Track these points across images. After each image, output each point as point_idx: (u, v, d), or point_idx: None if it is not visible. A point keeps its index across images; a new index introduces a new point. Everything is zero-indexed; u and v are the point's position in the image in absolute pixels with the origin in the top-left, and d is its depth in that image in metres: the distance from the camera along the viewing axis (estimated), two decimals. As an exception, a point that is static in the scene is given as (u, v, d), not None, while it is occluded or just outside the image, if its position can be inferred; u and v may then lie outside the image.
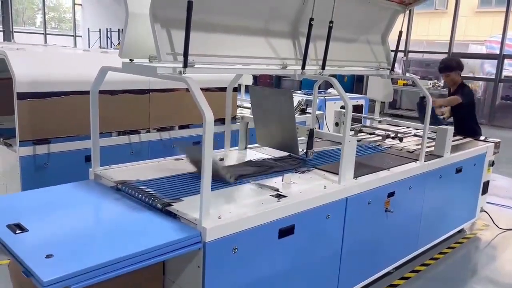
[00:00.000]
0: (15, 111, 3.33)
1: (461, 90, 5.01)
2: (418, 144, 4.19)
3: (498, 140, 4.92)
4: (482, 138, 4.97)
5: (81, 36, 21.11)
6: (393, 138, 4.42)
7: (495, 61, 13.25)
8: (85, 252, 1.89)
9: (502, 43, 12.93)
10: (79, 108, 3.54)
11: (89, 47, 18.82)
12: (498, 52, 13.16)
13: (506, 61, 13.24)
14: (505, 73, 13.35)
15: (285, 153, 3.48)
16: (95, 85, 2.73)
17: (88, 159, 3.07)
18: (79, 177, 2.88)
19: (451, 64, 5.11)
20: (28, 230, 2.04)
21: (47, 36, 20.36)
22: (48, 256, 1.81)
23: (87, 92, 2.77)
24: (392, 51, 3.89)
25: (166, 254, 2.02)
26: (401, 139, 4.16)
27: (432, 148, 4.06)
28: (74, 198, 2.56)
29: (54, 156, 3.52)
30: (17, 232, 2.02)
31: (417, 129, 4.93)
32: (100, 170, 2.89)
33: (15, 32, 18.85)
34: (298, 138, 3.29)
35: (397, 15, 3.84)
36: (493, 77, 13.45)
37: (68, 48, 5.50)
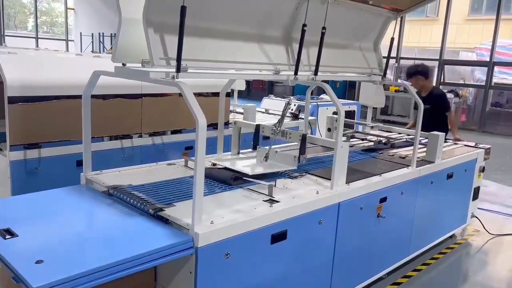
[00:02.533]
0: (5, 115, 3.30)
1: (439, 96, 5.61)
2: (410, 150, 4.22)
3: (489, 146, 4.97)
4: (472, 144, 5.02)
5: (73, 41, 21.03)
6: (385, 144, 4.44)
7: (485, 68, 13.40)
8: (75, 258, 1.88)
9: (492, 50, 13.09)
10: (71, 113, 3.51)
11: (81, 51, 18.75)
12: (488, 59, 13.32)
13: (496, 68, 13.40)
14: (495, 80, 13.51)
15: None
16: (87, 89, 2.71)
17: (79, 163, 3.05)
18: (70, 182, 2.86)
19: (415, 70, 5.56)
20: (18, 236, 2.02)
21: (39, 40, 20.25)
22: (38, 262, 1.79)
23: (79, 97, 2.76)
24: (384, 57, 3.93)
25: (157, 259, 2.00)
26: (393, 145, 4.18)
27: (424, 154, 4.09)
28: (65, 203, 2.53)
29: (45, 161, 3.49)
30: (7, 237, 1.99)
31: (408, 135, 4.96)
32: (92, 175, 2.87)
33: (6, 36, 18.76)
34: (291, 144, 3.29)
35: (389, 22, 3.88)
36: (483, 84, 13.60)
37: (60, 52, 5.48)
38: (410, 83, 5.42)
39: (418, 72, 5.54)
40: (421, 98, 5.29)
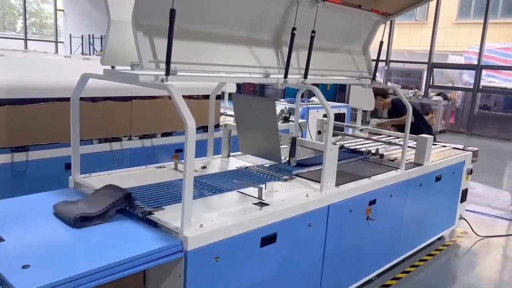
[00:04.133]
0: (-7, 117, 3.26)
1: (399, 109, 6.19)
2: (399, 153, 4.24)
3: (476, 149, 5.02)
4: (461, 146, 5.07)
5: (63, 42, 20.85)
6: (373, 154, 4.41)
7: (473, 72, 13.56)
8: (63, 262, 1.86)
9: (480, 54, 13.24)
10: (59, 115, 3.49)
11: (71, 53, 18.57)
12: (476, 62, 13.48)
13: (483, 71, 13.56)
14: (483, 83, 13.67)
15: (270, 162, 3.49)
16: (76, 92, 2.69)
17: (68, 166, 3.02)
18: (58, 185, 2.83)
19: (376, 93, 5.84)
20: (4, 240, 2.00)
21: (28, 41, 20.04)
22: (24, 267, 1.77)
23: (67, 99, 2.74)
24: (373, 60, 3.96)
25: (146, 263, 1.99)
26: (382, 156, 4.20)
27: (413, 157, 4.12)
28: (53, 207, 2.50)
29: (32, 164, 3.45)
30: (-7, 241, 1.97)
31: (398, 138, 5.01)
32: (80, 178, 2.85)
33: (-6, 37, 18.54)
34: (281, 146, 3.30)
35: (378, 25, 3.91)
36: (471, 87, 13.76)
37: (49, 54, 5.42)
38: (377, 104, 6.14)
39: (377, 94, 6.01)
40: (388, 115, 6.37)
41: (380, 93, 6.23)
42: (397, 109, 6.38)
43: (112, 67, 2.53)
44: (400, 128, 5.76)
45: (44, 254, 1.93)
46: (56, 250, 1.98)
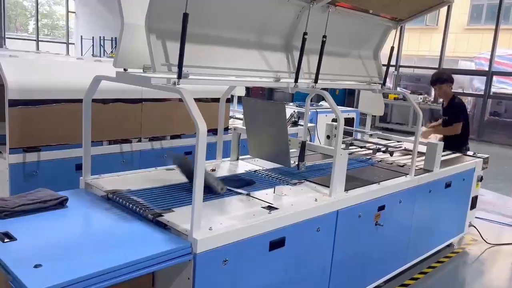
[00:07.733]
0: (6, 118, 3.30)
1: (455, 108, 5.24)
2: (409, 159, 4.23)
3: (487, 155, 4.98)
4: (471, 153, 5.03)
5: (74, 44, 21.06)
6: (383, 152, 4.45)
7: (484, 78, 13.46)
8: (74, 262, 1.87)
9: (491, 60, 13.15)
10: (70, 116, 3.52)
11: (82, 54, 18.78)
12: (487, 68, 13.38)
13: (494, 77, 13.46)
14: (493, 89, 13.56)
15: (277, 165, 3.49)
16: (88, 94, 2.72)
17: (79, 167, 3.05)
18: (69, 185, 2.86)
19: (442, 77, 5.28)
20: (16, 239, 2.02)
21: (40, 43, 20.28)
22: (36, 266, 1.79)
23: (79, 100, 2.77)
24: (383, 65, 3.95)
25: (155, 265, 2.00)
26: (391, 153, 4.19)
27: (422, 163, 4.10)
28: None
29: (44, 164, 3.49)
30: (6, 240, 1.99)
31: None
32: (91, 179, 2.87)
33: (7, 38, 18.79)
34: (290, 150, 3.30)
35: (389, 31, 3.91)
36: (482, 93, 13.66)
37: (61, 55, 5.48)
38: (439, 90, 5.35)
39: (449, 79, 5.29)
40: (442, 109, 5.50)
41: (448, 78, 5.24)
42: (452, 111, 5.25)
43: (125, 69, 2.55)
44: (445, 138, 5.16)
45: (55, 253, 1.95)
46: (67, 250, 2.00)
